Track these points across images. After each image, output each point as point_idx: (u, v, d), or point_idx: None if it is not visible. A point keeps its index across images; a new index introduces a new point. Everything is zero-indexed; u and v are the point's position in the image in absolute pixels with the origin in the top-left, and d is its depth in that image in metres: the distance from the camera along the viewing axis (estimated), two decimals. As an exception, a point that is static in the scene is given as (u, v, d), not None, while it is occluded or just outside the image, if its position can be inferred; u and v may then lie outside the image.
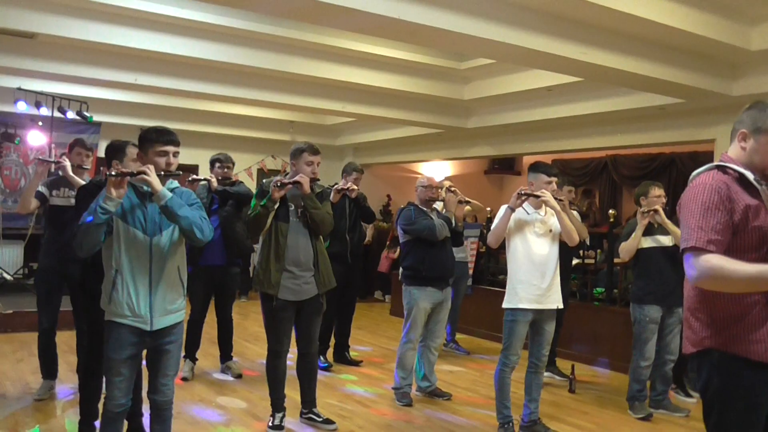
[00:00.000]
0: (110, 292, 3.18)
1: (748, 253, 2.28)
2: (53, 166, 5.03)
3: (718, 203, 2.25)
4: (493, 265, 8.66)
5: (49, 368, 5.16)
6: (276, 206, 4.27)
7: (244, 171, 11.80)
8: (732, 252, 2.27)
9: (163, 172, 3.20)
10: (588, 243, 8.06)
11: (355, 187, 6.22)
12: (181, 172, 3.32)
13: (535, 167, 4.61)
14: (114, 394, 3.21)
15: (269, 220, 4.29)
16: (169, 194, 3.12)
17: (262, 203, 4.25)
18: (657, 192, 5.18)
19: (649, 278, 5.18)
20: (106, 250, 3.21)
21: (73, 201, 4.59)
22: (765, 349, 2.26)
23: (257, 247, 10.64)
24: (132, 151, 3.87)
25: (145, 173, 3.09)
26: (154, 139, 3.25)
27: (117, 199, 3.06)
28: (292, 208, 4.36)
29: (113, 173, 3.07)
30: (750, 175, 2.33)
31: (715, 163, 2.42)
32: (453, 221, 5.36)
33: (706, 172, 2.38)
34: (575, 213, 6.08)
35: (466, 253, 7.20)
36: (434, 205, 5.42)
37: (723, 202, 2.26)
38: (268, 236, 4.35)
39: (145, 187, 3.15)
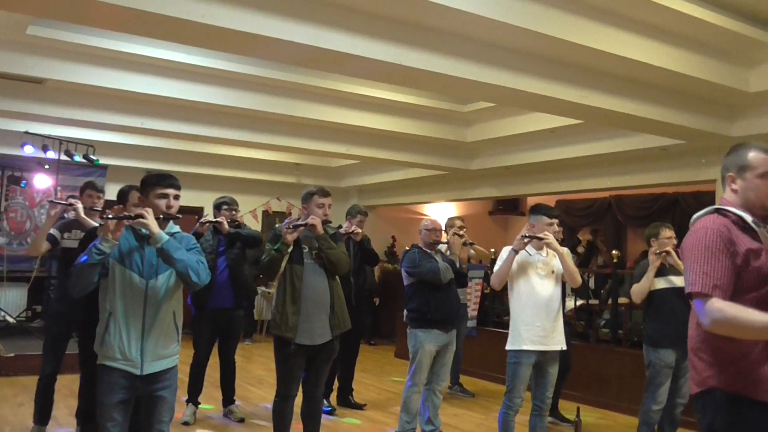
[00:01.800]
0: (103, 335, 3.19)
1: (747, 293, 2.31)
2: (67, 208, 5.06)
3: (722, 247, 2.29)
4: (498, 307, 8.62)
5: (43, 414, 5.06)
6: (290, 249, 4.29)
7: (249, 213, 11.85)
8: (732, 292, 2.29)
9: (162, 216, 3.23)
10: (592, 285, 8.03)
11: (359, 230, 6.25)
12: (180, 216, 3.34)
13: (537, 209, 4.63)
14: None
15: (283, 264, 4.31)
16: (166, 237, 3.13)
17: (275, 247, 4.26)
18: (668, 233, 5.14)
19: (664, 320, 5.07)
20: (102, 293, 3.22)
21: None
22: (765, 391, 2.27)
23: (262, 290, 10.68)
24: (134, 196, 3.92)
25: (142, 216, 3.12)
26: (154, 183, 3.29)
27: (113, 241, 3.08)
28: (306, 250, 4.37)
29: (110, 216, 3.11)
30: (748, 218, 2.38)
31: (715, 206, 2.46)
32: (458, 263, 5.37)
33: (707, 215, 2.43)
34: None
35: (465, 295, 7.17)
36: (438, 248, 5.43)
37: (726, 246, 2.30)
38: (283, 279, 4.35)
39: (144, 231, 3.16)
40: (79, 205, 4.92)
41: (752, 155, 2.44)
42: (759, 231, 2.36)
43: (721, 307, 2.23)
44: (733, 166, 2.47)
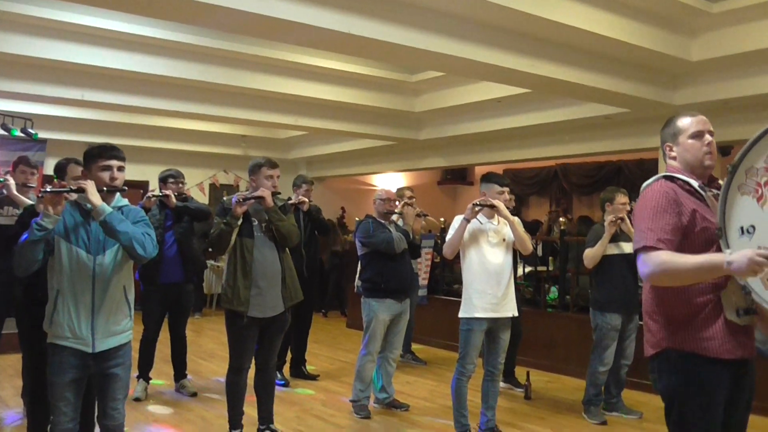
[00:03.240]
0: (51, 314, 3.12)
1: (696, 254, 2.38)
2: None
3: (666, 206, 2.39)
4: (448, 275, 8.72)
5: None
6: (239, 222, 4.25)
7: (196, 186, 11.66)
8: (681, 253, 2.37)
9: (106, 188, 3.15)
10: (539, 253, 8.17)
11: (306, 200, 6.21)
12: (126, 188, 3.27)
13: (488, 178, 4.68)
14: (59, 419, 3.13)
15: (233, 237, 4.26)
16: (109, 209, 3.06)
17: (224, 220, 4.21)
18: (622, 199, 5.22)
19: (611, 285, 5.22)
20: (49, 271, 3.14)
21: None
22: (719, 345, 2.36)
23: (211, 263, 10.57)
24: (73, 169, 3.82)
25: (82, 189, 3.04)
26: (96, 155, 3.20)
27: (55, 216, 2.99)
28: (256, 223, 4.34)
29: (48, 189, 3.01)
30: (694, 183, 2.48)
31: (663, 173, 2.55)
32: (411, 234, 5.40)
33: (655, 181, 2.53)
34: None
35: (415, 264, 7.23)
36: (392, 218, 5.45)
37: (671, 205, 2.39)
38: (233, 253, 4.32)
39: (89, 206, 3.08)
40: (11, 182, 4.74)
41: (680, 121, 2.58)
42: (705, 195, 2.46)
43: (658, 254, 2.33)
44: (668, 136, 2.60)
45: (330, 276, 11.29)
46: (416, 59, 5.77)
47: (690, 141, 2.52)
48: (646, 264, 2.36)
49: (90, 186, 3.05)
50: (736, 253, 2.19)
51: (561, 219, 8.07)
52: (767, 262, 2.14)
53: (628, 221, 5.11)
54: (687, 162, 2.53)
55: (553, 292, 7.67)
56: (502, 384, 5.67)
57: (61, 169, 3.91)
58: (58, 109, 8.83)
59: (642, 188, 2.58)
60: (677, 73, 6.42)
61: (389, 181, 12.74)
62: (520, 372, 6.32)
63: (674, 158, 2.56)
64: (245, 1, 4.26)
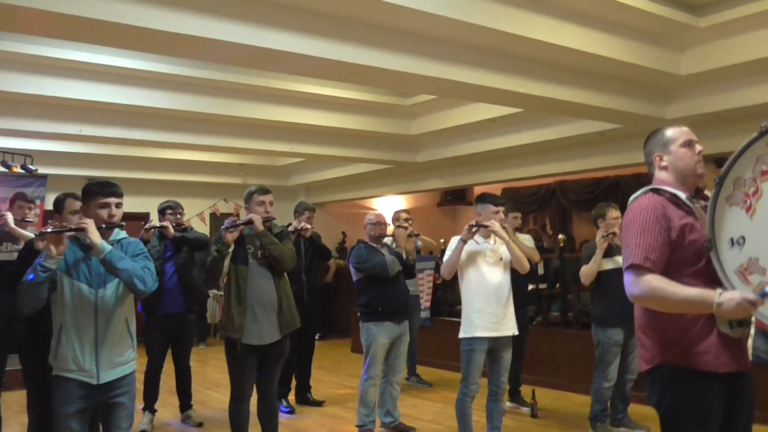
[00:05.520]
0: (56, 348, 3.16)
1: (686, 267, 2.41)
2: None
3: (654, 221, 2.39)
4: (450, 296, 8.71)
5: None
6: (230, 249, 4.27)
7: (197, 216, 11.71)
8: (670, 267, 2.39)
9: (104, 225, 3.20)
10: (541, 271, 8.17)
11: (309, 226, 6.25)
12: (124, 224, 3.32)
13: (483, 198, 4.71)
14: None
15: (226, 264, 4.29)
16: (108, 247, 3.11)
17: (215, 248, 4.25)
18: (614, 213, 5.25)
19: (611, 300, 5.19)
20: (53, 306, 3.19)
21: (16, 255, 4.50)
22: (713, 359, 2.36)
23: (214, 293, 10.57)
24: (71, 204, 3.87)
25: (83, 228, 3.09)
26: (95, 192, 3.25)
27: (58, 257, 3.05)
28: (251, 250, 4.36)
29: (49, 230, 3.07)
30: (682, 195, 2.47)
31: (650, 186, 2.55)
32: (404, 255, 5.42)
33: (642, 195, 2.52)
34: (527, 236, 6.19)
35: (416, 286, 7.25)
36: (384, 241, 5.47)
37: (659, 221, 2.39)
38: (229, 281, 4.34)
39: (87, 240, 3.13)
40: (9, 217, 4.79)
41: (670, 131, 2.58)
42: (693, 207, 2.46)
43: (650, 279, 2.34)
44: (656, 146, 2.59)
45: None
46: (408, 84, 5.84)
47: (682, 149, 2.52)
48: (636, 286, 2.38)
49: (90, 225, 3.11)
50: (726, 296, 2.21)
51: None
52: (755, 308, 2.18)
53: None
54: (679, 170, 2.52)
55: (554, 309, 7.68)
56: (508, 403, 5.68)
57: (59, 204, 3.96)
58: (57, 145, 8.92)
59: (629, 201, 2.58)
60: (668, 87, 6.48)
61: (389, 204, 12.78)
62: (525, 390, 6.31)
63: (665, 168, 2.54)
64: (237, 33, 4.33)
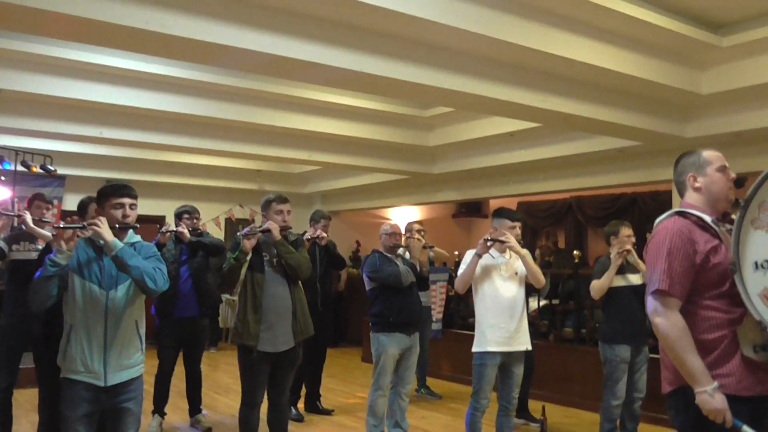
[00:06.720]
0: (65, 348, 3.17)
1: (710, 290, 2.42)
2: (15, 220, 4.99)
3: (681, 246, 2.40)
4: (463, 309, 8.69)
5: (5, 429, 5.01)
6: (248, 257, 4.29)
7: (212, 221, 11.77)
8: (694, 290, 2.41)
9: (118, 225, 3.22)
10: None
11: (325, 235, 6.26)
12: (138, 225, 3.34)
13: (499, 213, 4.70)
14: None
15: (243, 272, 4.30)
16: (120, 245, 3.13)
17: (234, 255, 4.26)
18: (627, 231, 5.26)
19: (620, 317, 5.20)
20: (64, 306, 3.21)
21: (34, 255, 4.55)
22: (736, 382, 2.36)
23: (227, 298, 10.60)
24: (93, 209, 3.89)
25: (95, 225, 3.11)
26: (109, 193, 3.29)
27: (68, 252, 3.07)
28: (267, 258, 4.37)
29: (60, 225, 3.10)
30: (708, 218, 2.49)
31: (676, 209, 2.56)
32: (418, 267, 5.42)
33: (668, 218, 2.54)
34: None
35: (428, 298, 7.23)
36: (399, 252, 5.47)
37: (685, 245, 2.40)
38: (244, 288, 4.35)
39: (101, 241, 3.15)
40: (28, 216, 4.84)
41: (707, 153, 2.60)
42: (719, 231, 2.48)
43: (677, 321, 2.38)
44: (691, 167, 2.60)
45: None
46: (427, 96, 5.84)
47: (718, 174, 2.55)
48: (661, 317, 2.40)
49: (102, 223, 3.13)
50: (714, 398, 2.30)
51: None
52: (722, 420, 2.28)
53: (634, 253, 5.15)
54: (712, 194, 2.54)
55: (567, 326, 7.64)
56: (517, 420, 5.64)
57: (83, 207, 3.99)
58: (76, 146, 8.98)
59: (655, 224, 2.59)
60: (688, 106, 6.44)
61: (404, 214, 12.77)
62: (535, 407, 6.27)
63: (698, 189, 2.56)
64: (259, 42, 4.35)
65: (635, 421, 5.39)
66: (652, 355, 5.16)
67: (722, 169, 2.56)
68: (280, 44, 4.43)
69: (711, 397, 2.30)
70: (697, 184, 2.56)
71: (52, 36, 4.63)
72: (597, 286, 5.24)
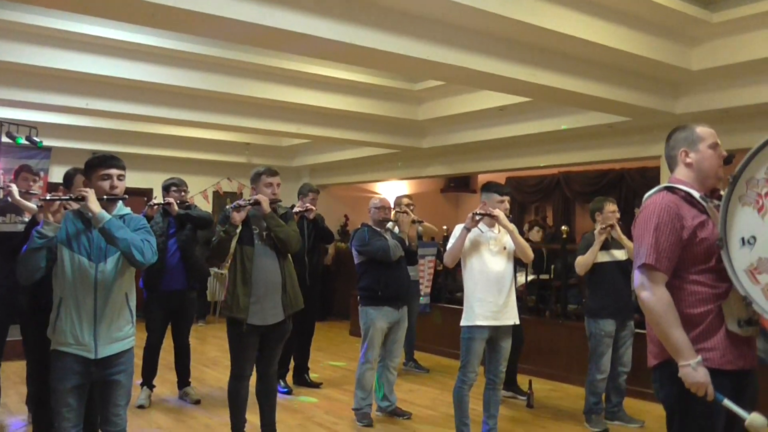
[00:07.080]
0: (54, 321, 3.16)
1: (696, 265, 2.44)
2: (1, 192, 4.94)
3: (668, 221, 2.42)
4: (450, 283, 8.73)
5: None
6: (238, 230, 4.27)
7: (200, 194, 11.71)
8: (681, 265, 2.43)
9: (105, 197, 3.20)
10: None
11: (313, 208, 6.25)
12: (126, 197, 3.31)
13: (488, 187, 4.70)
14: (62, 425, 3.15)
15: (233, 245, 4.28)
16: (108, 216, 3.11)
17: (223, 228, 4.24)
18: (611, 207, 5.33)
19: (604, 292, 5.28)
20: (53, 279, 3.19)
21: (21, 227, 4.51)
22: (720, 356, 2.39)
23: (215, 271, 10.58)
24: (79, 180, 3.86)
25: (83, 196, 3.09)
26: (96, 165, 3.26)
27: (55, 224, 3.06)
28: (257, 231, 4.36)
29: (47, 197, 3.07)
30: (696, 194, 2.50)
31: (665, 184, 2.57)
32: (407, 241, 5.43)
33: (657, 193, 2.55)
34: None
35: (417, 272, 7.25)
36: (388, 226, 5.47)
37: (672, 221, 2.42)
38: (234, 261, 4.34)
39: (90, 213, 3.13)
40: (14, 188, 4.80)
41: (700, 129, 2.60)
42: (707, 206, 2.49)
43: (663, 295, 2.40)
44: (684, 142, 2.60)
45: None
46: (417, 69, 5.81)
47: (709, 150, 2.56)
48: (647, 290, 2.42)
49: (90, 194, 3.11)
50: (697, 371, 2.33)
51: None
52: (704, 393, 2.33)
53: (618, 228, 5.21)
54: (702, 170, 2.55)
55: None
56: (504, 392, 5.70)
57: (69, 179, 3.96)
58: (63, 118, 8.88)
59: (644, 199, 2.60)
60: (678, 82, 6.45)
61: (393, 188, 12.76)
62: (522, 380, 6.33)
63: (689, 165, 2.57)
64: (248, 12, 4.29)
65: (620, 395, 5.46)
66: (637, 330, 5.22)
67: (714, 146, 2.57)
68: (269, 15, 4.37)
69: (694, 371, 2.33)
70: (688, 160, 2.57)
71: (37, 4, 4.57)
72: (581, 262, 5.30)
